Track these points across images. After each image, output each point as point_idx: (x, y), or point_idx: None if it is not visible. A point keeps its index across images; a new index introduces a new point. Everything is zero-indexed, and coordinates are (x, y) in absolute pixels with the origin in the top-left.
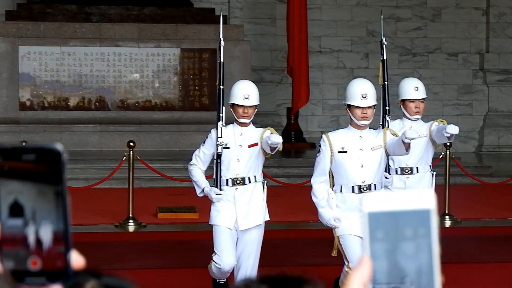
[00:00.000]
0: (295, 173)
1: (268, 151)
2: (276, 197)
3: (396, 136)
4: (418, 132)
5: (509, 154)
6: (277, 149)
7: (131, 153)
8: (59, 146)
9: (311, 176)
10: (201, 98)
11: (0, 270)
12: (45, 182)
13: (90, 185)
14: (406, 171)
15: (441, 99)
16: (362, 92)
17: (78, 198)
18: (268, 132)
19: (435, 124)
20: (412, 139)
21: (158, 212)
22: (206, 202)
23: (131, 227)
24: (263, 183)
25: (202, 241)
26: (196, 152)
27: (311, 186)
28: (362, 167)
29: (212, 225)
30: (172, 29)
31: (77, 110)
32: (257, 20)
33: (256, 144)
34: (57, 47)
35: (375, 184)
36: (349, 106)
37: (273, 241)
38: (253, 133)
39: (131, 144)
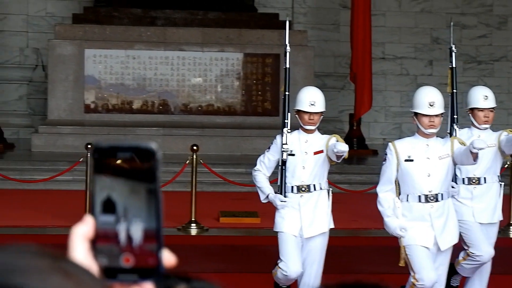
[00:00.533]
0: (357, 180)
1: (334, 159)
2: (337, 203)
3: (464, 145)
4: (487, 142)
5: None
6: (343, 157)
7: (194, 157)
8: (153, 145)
9: (373, 183)
10: (263, 103)
11: (95, 268)
12: (138, 179)
13: None
14: (474, 181)
15: (506, 108)
16: (429, 100)
17: None
18: (333, 139)
19: (504, 134)
20: (480, 149)
21: (220, 216)
22: (268, 207)
23: (193, 230)
24: (328, 191)
25: (264, 246)
26: (261, 157)
27: (376, 195)
28: (429, 176)
29: (277, 232)
30: (236, 34)
31: (141, 113)
32: (320, 26)
33: (321, 151)
34: (122, 50)
35: (442, 194)
36: (416, 114)
37: (334, 248)
38: (319, 140)
39: (195, 148)
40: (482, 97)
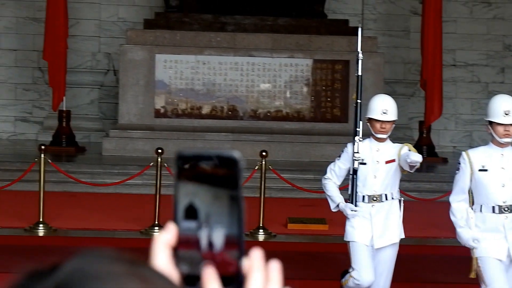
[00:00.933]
0: (426, 188)
1: (407, 168)
2: (407, 211)
3: None
4: None
5: None
6: (416, 167)
7: (263, 162)
8: (236, 154)
9: (442, 191)
10: (332, 110)
11: (175, 275)
12: (220, 186)
13: None
14: None
15: None
16: (505, 108)
17: None
18: (405, 148)
19: None
20: None
21: (288, 223)
22: (336, 214)
23: (261, 236)
24: (399, 200)
25: (332, 253)
26: (331, 166)
27: (449, 204)
28: (503, 186)
29: (348, 241)
30: (306, 40)
31: (210, 118)
32: (390, 32)
33: (393, 161)
34: (192, 55)
35: None
36: (491, 123)
37: (403, 256)
38: (390, 149)
39: (264, 153)
40: None
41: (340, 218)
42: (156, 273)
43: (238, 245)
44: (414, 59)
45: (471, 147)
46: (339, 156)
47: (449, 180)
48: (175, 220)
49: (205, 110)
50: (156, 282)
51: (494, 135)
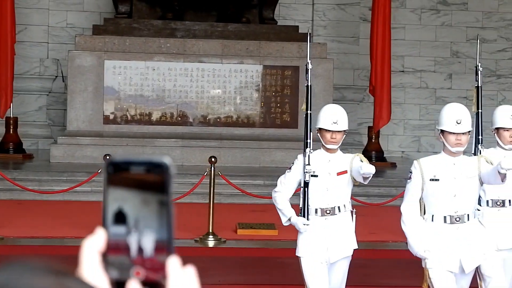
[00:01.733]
0: (375, 192)
1: (360, 180)
2: (356, 216)
3: (492, 164)
4: None
5: None
6: (369, 179)
7: (212, 168)
8: (166, 160)
9: (391, 196)
10: (282, 116)
11: (105, 281)
12: (150, 192)
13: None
14: (498, 203)
15: None
16: (457, 117)
17: None
18: (357, 159)
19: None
20: (508, 169)
21: (238, 228)
22: None
23: (211, 242)
24: (351, 212)
25: (282, 258)
26: (281, 178)
27: (400, 213)
28: (455, 196)
29: (299, 257)
30: (256, 46)
31: (159, 125)
32: (340, 38)
33: (345, 172)
34: (141, 61)
35: (468, 215)
36: (442, 131)
37: (352, 261)
38: (341, 160)
39: (213, 159)
40: (508, 116)
41: (293, 230)
42: (83, 284)
43: (168, 249)
44: (364, 65)
45: (419, 152)
46: (290, 168)
47: (398, 185)
48: (104, 225)
49: (155, 116)
50: None
51: (446, 144)
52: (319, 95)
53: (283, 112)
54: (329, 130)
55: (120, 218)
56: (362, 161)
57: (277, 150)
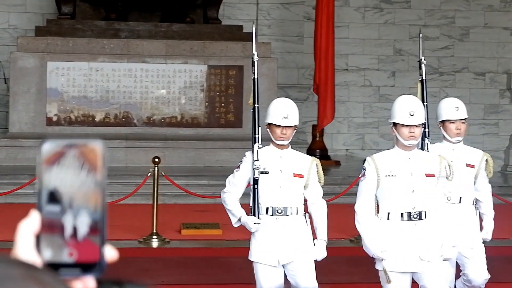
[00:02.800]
0: None
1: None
2: None
3: (449, 170)
4: (462, 159)
5: None
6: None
7: (156, 169)
8: (99, 142)
9: (335, 193)
10: (227, 115)
11: (39, 262)
12: (84, 171)
13: (115, 200)
14: (448, 199)
15: (468, 119)
16: (410, 109)
17: None
18: (314, 169)
19: (482, 172)
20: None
21: (182, 228)
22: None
23: (155, 243)
24: (305, 216)
25: (226, 258)
26: (230, 178)
27: (354, 213)
28: (413, 192)
29: (252, 261)
30: (200, 46)
31: (103, 126)
32: (284, 37)
33: (301, 176)
34: (85, 62)
35: (425, 211)
36: (395, 124)
37: None
38: (297, 160)
39: (156, 160)
40: (453, 108)
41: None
42: (53, 277)
43: (100, 230)
44: (308, 64)
45: (363, 150)
46: (238, 167)
47: (342, 183)
48: (39, 204)
49: (99, 117)
50: (53, 285)
51: (399, 137)
52: (264, 94)
53: (228, 112)
54: (279, 126)
55: (55, 197)
56: (317, 171)
57: (221, 150)
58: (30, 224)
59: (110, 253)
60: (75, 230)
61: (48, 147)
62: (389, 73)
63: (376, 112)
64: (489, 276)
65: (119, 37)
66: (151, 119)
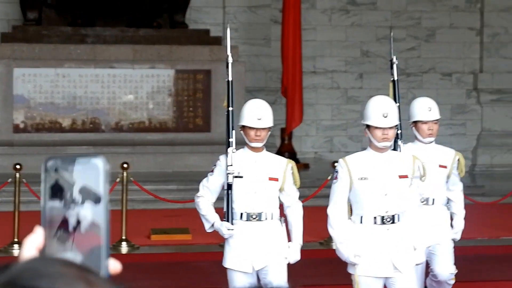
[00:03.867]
0: None
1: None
2: None
3: (424, 172)
4: (434, 160)
5: (502, 174)
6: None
7: (124, 174)
8: (101, 158)
9: (303, 196)
10: (195, 119)
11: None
12: (86, 187)
13: None
14: (422, 201)
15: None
16: (383, 111)
17: None
18: (289, 172)
19: (454, 173)
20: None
21: (151, 234)
22: (200, 223)
23: (124, 249)
24: (280, 221)
25: (196, 262)
26: (203, 182)
27: (327, 216)
28: (386, 195)
29: (226, 268)
30: (167, 51)
31: (71, 132)
32: (251, 41)
33: (276, 180)
34: (51, 69)
35: (399, 215)
36: (368, 126)
37: None
38: (272, 163)
39: (125, 165)
40: (425, 108)
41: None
42: (102, 279)
43: (106, 248)
44: (275, 67)
45: (332, 152)
46: (212, 171)
47: (311, 186)
48: (43, 204)
49: (66, 123)
50: (101, 286)
51: (372, 139)
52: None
53: (196, 116)
54: (253, 128)
55: (57, 191)
56: (293, 173)
57: (190, 154)
58: (35, 240)
59: (113, 265)
60: (79, 223)
61: (51, 164)
62: (357, 75)
63: (344, 114)
64: (456, 270)
65: (86, 42)
66: (119, 124)
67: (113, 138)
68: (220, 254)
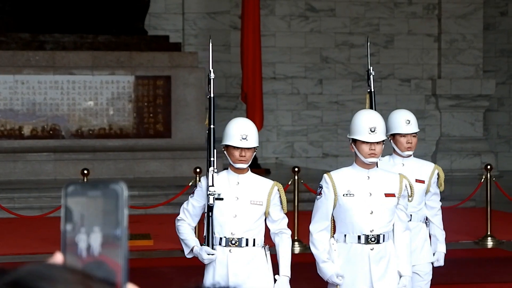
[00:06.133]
0: None
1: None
2: None
3: (411, 191)
4: (413, 174)
5: (461, 178)
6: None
7: (85, 181)
8: (121, 184)
9: None
10: (155, 125)
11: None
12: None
13: (44, 213)
14: None
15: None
16: (370, 125)
17: (32, 226)
18: (276, 195)
19: (433, 185)
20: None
21: None
22: (161, 229)
23: None
24: (264, 248)
25: (157, 268)
26: (184, 205)
27: (309, 234)
28: (371, 213)
29: None
30: (127, 57)
31: (31, 139)
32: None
33: (260, 204)
34: (10, 75)
35: (384, 235)
36: (355, 141)
37: None
38: (256, 185)
39: (85, 172)
40: (404, 121)
41: (165, 233)
42: (105, 285)
43: (122, 271)
44: (235, 73)
45: (293, 157)
46: (193, 193)
47: None
48: (62, 228)
49: (26, 130)
50: None
51: (359, 154)
52: (192, 104)
53: (156, 122)
54: (237, 148)
55: (71, 215)
56: (281, 199)
57: (151, 160)
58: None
59: None
60: (90, 248)
61: (71, 190)
62: (316, 80)
63: (305, 120)
64: None
65: (45, 49)
66: (79, 131)
67: (74, 144)
68: (183, 260)
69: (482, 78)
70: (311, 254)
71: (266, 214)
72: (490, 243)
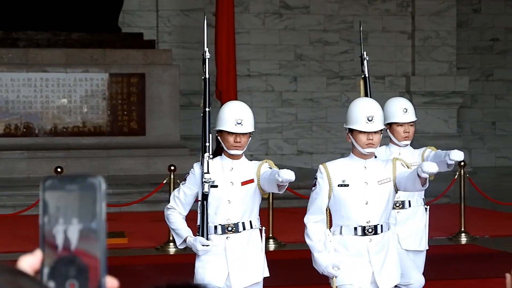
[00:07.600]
0: None
1: (273, 189)
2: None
3: (408, 167)
4: (409, 161)
5: (435, 175)
6: (285, 187)
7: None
8: (99, 177)
9: None
10: (129, 123)
11: None
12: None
13: (17, 212)
14: (397, 205)
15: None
16: (367, 114)
17: (5, 225)
18: (266, 165)
19: (428, 151)
20: (431, 173)
21: None
22: (135, 227)
23: None
24: (260, 230)
25: (132, 266)
26: (175, 192)
27: (304, 226)
28: (367, 204)
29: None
30: (100, 54)
31: (4, 137)
32: (185, 44)
33: (251, 181)
34: None
35: (381, 225)
36: (351, 130)
37: None
38: (247, 167)
39: (59, 170)
40: (401, 110)
41: (140, 231)
42: (36, 283)
43: (101, 267)
44: (210, 70)
45: (268, 155)
46: (184, 180)
47: None
48: (41, 222)
49: None
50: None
51: (356, 144)
52: (166, 102)
53: (130, 120)
54: (232, 133)
55: (48, 209)
56: (271, 168)
57: (125, 158)
58: (31, 260)
59: (111, 283)
60: (67, 240)
61: (49, 183)
62: (291, 78)
63: (279, 117)
64: (424, 282)
65: (18, 46)
66: (53, 129)
67: (47, 142)
68: (157, 258)
69: (456, 75)
70: (287, 252)
71: (261, 184)
72: (464, 239)
